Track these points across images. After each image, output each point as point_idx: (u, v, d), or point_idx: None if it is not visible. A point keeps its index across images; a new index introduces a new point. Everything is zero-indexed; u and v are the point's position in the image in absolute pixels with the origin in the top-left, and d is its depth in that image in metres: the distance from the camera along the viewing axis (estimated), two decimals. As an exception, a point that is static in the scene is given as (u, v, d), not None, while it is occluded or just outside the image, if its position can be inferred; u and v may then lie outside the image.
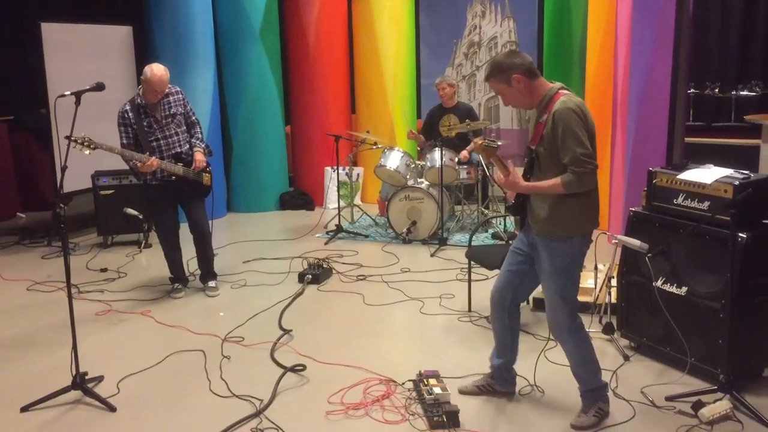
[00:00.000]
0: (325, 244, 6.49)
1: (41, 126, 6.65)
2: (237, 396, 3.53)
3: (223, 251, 6.23)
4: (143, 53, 7.13)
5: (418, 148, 7.41)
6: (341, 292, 5.15)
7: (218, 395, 3.56)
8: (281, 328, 4.42)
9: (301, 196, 8.21)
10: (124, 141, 4.72)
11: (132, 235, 6.56)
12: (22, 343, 4.36)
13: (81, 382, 3.52)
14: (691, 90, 7.63)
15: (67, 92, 3.58)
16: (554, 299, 3.09)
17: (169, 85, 4.78)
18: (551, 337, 3.25)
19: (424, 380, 3.44)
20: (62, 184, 3.54)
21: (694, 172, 3.57)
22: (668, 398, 3.34)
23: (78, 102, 3.57)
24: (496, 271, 3.38)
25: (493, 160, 3.04)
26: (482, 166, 6.49)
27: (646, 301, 3.74)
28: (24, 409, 3.44)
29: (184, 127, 4.94)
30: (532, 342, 4.08)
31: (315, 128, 8.06)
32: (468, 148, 6.59)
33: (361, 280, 5.41)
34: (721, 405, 3.14)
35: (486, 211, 6.98)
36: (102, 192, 6.47)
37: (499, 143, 3.44)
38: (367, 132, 7.31)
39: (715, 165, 3.62)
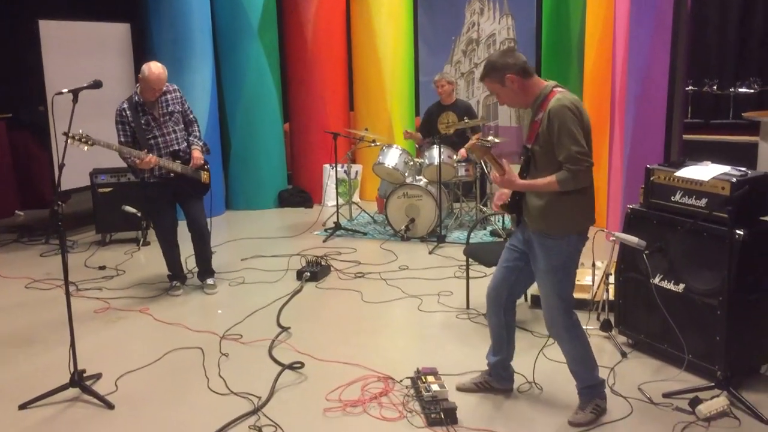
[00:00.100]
0: (324, 241, 6.49)
1: (40, 124, 6.64)
2: (235, 393, 3.53)
3: (222, 248, 6.23)
4: (141, 51, 7.12)
5: (417, 146, 7.41)
6: (339, 290, 5.15)
7: (216, 392, 3.57)
8: (279, 325, 4.42)
9: (299, 194, 8.21)
10: (122, 139, 4.73)
11: (130, 232, 6.56)
12: (21, 340, 4.36)
13: (79, 380, 3.52)
14: (690, 87, 7.63)
15: (65, 90, 3.58)
16: (550, 297, 3.10)
17: (167, 83, 4.78)
18: (547, 333, 3.26)
19: (422, 377, 3.45)
20: (60, 181, 3.54)
21: (691, 170, 3.57)
22: (665, 395, 3.35)
23: (75, 100, 3.57)
24: (495, 269, 3.38)
25: (488, 159, 3.04)
26: (480, 163, 6.49)
27: (644, 298, 3.75)
28: (22, 407, 3.45)
29: (182, 125, 4.94)
30: (529, 339, 4.08)
31: (313, 126, 8.05)
32: (466, 146, 6.60)
33: (360, 277, 5.42)
34: (719, 402, 3.15)
35: (484, 209, 6.98)
36: (100, 190, 6.47)
37: (496, 141, 3.44)
38: (366, 129, 7.30)
39: (712, 162, 3.62)
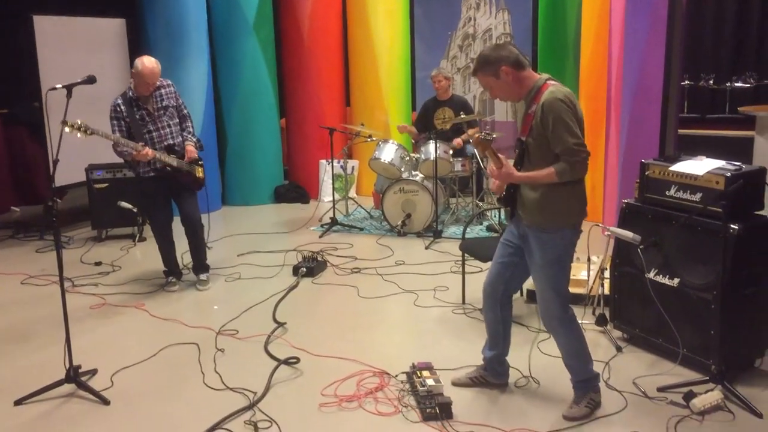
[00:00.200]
0: (320, 237, 6.49)
1: (35, 119, 6.61)
2: (231, 389, 3.54)
3: (218, 244, 6.23)
4: (137, 46, 7.10)
5: (413, 141, 7.40)
6: (335, 285, 5.15)
7: (212, 388, 3.57)
8: (275, 320, 4.42)
9: (295, 189, 8.20)
10: (117, 134, 4.71)
11: (126, 228, 6.55)
12: (16, 336, 4.36)
13: (75, 376, 3.52)
14: (686, 81, 7.64)
15: (59, 85, 3.57)
16: (546, 291, 3.10)
17: (161, 78, 4.78)
18: (542, 328, 3.26)
19: (418, 372, 3.45)
20: (54, 177, 3.53)
21: (686, 164, 3.58)
22: (660, 389, 3.36)
23: (69, 95, 3.57)
24: (490, 264, 3.38)
25: (488, 153, 3.04)
26: (477, 158, 6.50)
27: (639, 292, 3.76)
28: (18, 403, 3.44)
29: (177, 120, 4.93)
30: (525, 334, 4.09)
31: (310, 121, 8.03)
32: (463, 136, 6.60)
33: (356, 272, 5.42)
34: (713, 395, 3.16)
35: (481, 204, 6.98)
36: (96, 185, 6.46)
37: (494, 135, 3.43)
38: (362, 125, 7.30)
39: (708, 156, 3.62)
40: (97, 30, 7.03)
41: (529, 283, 3.77)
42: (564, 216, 3.01)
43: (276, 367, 3.72)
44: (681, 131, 6.18)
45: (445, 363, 3.68)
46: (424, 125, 6.92)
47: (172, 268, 5.17)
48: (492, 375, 3.47)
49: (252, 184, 8.00)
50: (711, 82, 7.81)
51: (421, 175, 6.47)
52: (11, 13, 6.72)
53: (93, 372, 3.74)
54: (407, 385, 3.48)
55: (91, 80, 3.69)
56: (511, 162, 3.07)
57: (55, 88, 3.55)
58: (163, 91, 4.82)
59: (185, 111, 5.01)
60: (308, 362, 3.82)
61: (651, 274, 3.65)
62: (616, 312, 3.97)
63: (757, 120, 5.99)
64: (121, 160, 4.98)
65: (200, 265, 5.19)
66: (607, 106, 5.94)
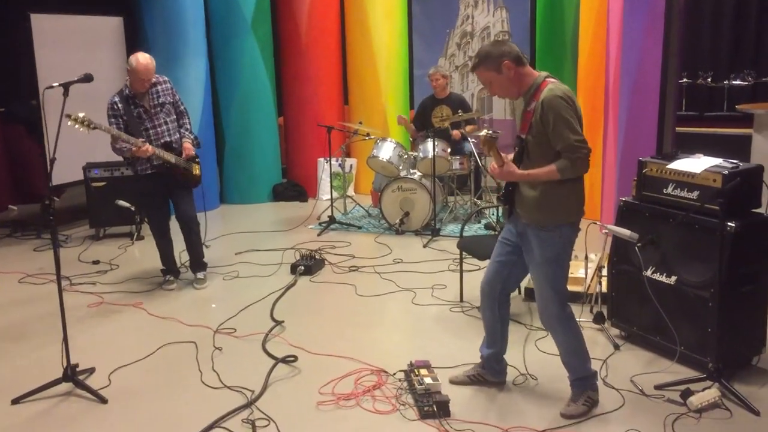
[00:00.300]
0: (318, 235, 6.49)
1: (32, 118, 6.61)
2: (228, 387, 3.54)
3: (216, 243, 6.22)
4: (134, 44, 7.08)
5: (411, 139, 7.40)
6: (333, 283, 5.15)
7: (210, 386, 3.57)
8: (273, 319, 4.42)
9: (294, 188, 8.20)
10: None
11: (124, 227, 6.55)
12: (14, 335, 4.35)
13: (72, 374, 3.52)
14: (684, 79, 7.64)
15: (55, 84, 3.56)
16: (544, 289, 3.10)
17: (157, 75, 4.77)
18: (540, 326, 3.26)
19: (415, 370, 3.46)
20: (51, 175, 3.52)
21: (683, 162, 3.58)
22: (657, 387, 3.36)
23: (66, 93, 3.56)
24: (488, 262, 3.38)
25: (492, 151, 3.04)
26: (475, 156, 6.49)
27: (636, 290, 3.76)
28: (15, 401, 3.44)
29: (174, 116, 4.92)
30: (523, 332, 4.09)
31: (308, 119, 8.03)
32: (462, 130, 6.59)
33: (354, 271, 5.42)
34: (710, 393, 3.16)
35: (479, 202, 6.98)
36: (94, 184, 6.45)
37: (499, 132, 3.43)
38: (360, 123, 7.29)
39: (705, 154, 3.62)
40: (94, 28, 7.02)
41: (526, 281, 3.77)
42: (563, 214, 3.01)
43: (274, 366, 3.72)
44: (679, 129, 6.18)
45: (442, 361, 3.68)
46: (422, 123, 6.91)
47: (169, 267, 5.17)
48: (490, 373, 3.47)
49: (250, 183, 8.00)
50: (709, 79, 7.81)
51: (419, 174, 6.47)
52: (9, 11, 6.71)
53: (91, 370, 3.74)
54: (405, 384, 3.48)
55: (88, 78, 3.68)
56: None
57: (52, 87, 3.54)
58: (159, 87, 4.82)
59: (182, 107, 5.00)
60: (306, 360, 3.82)
61: (648, 272, 3.65)
62: (613, 310, 3.97)
63: (755, 118, 5.98)
64: (119, 159, 4.97)
65: (197, 262, 5.19)
66: (605, 104, 5.94)
